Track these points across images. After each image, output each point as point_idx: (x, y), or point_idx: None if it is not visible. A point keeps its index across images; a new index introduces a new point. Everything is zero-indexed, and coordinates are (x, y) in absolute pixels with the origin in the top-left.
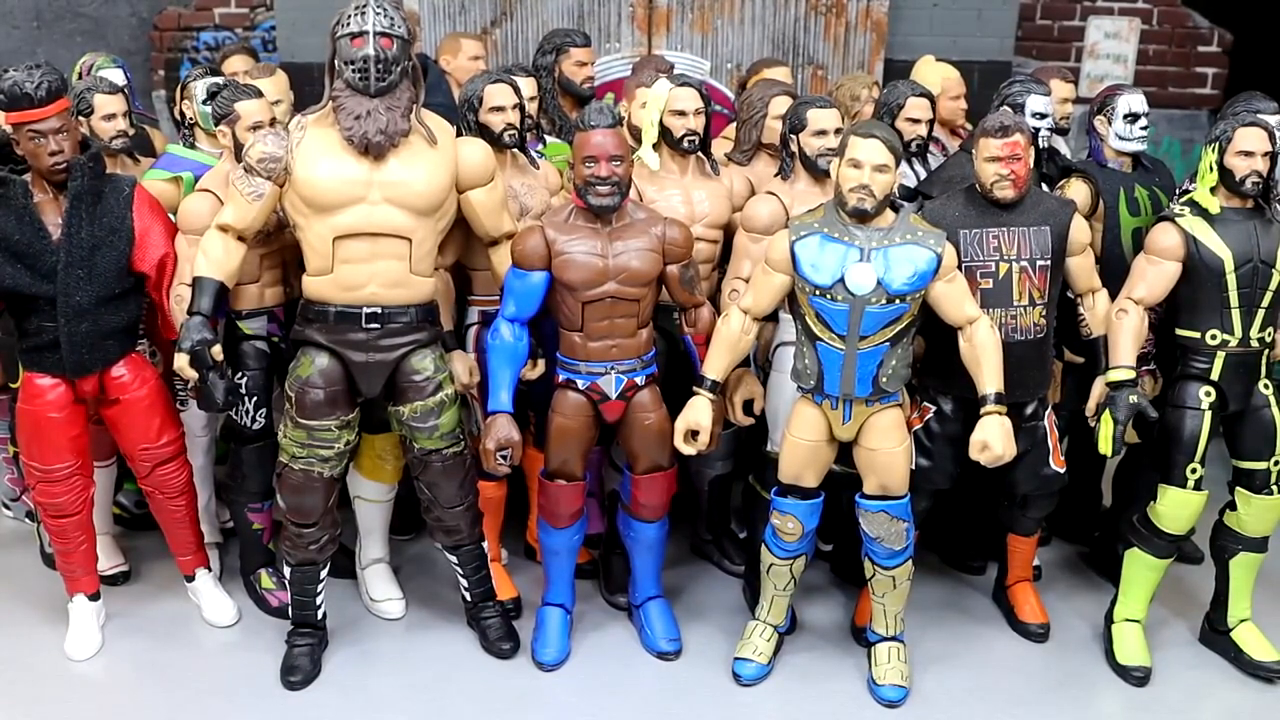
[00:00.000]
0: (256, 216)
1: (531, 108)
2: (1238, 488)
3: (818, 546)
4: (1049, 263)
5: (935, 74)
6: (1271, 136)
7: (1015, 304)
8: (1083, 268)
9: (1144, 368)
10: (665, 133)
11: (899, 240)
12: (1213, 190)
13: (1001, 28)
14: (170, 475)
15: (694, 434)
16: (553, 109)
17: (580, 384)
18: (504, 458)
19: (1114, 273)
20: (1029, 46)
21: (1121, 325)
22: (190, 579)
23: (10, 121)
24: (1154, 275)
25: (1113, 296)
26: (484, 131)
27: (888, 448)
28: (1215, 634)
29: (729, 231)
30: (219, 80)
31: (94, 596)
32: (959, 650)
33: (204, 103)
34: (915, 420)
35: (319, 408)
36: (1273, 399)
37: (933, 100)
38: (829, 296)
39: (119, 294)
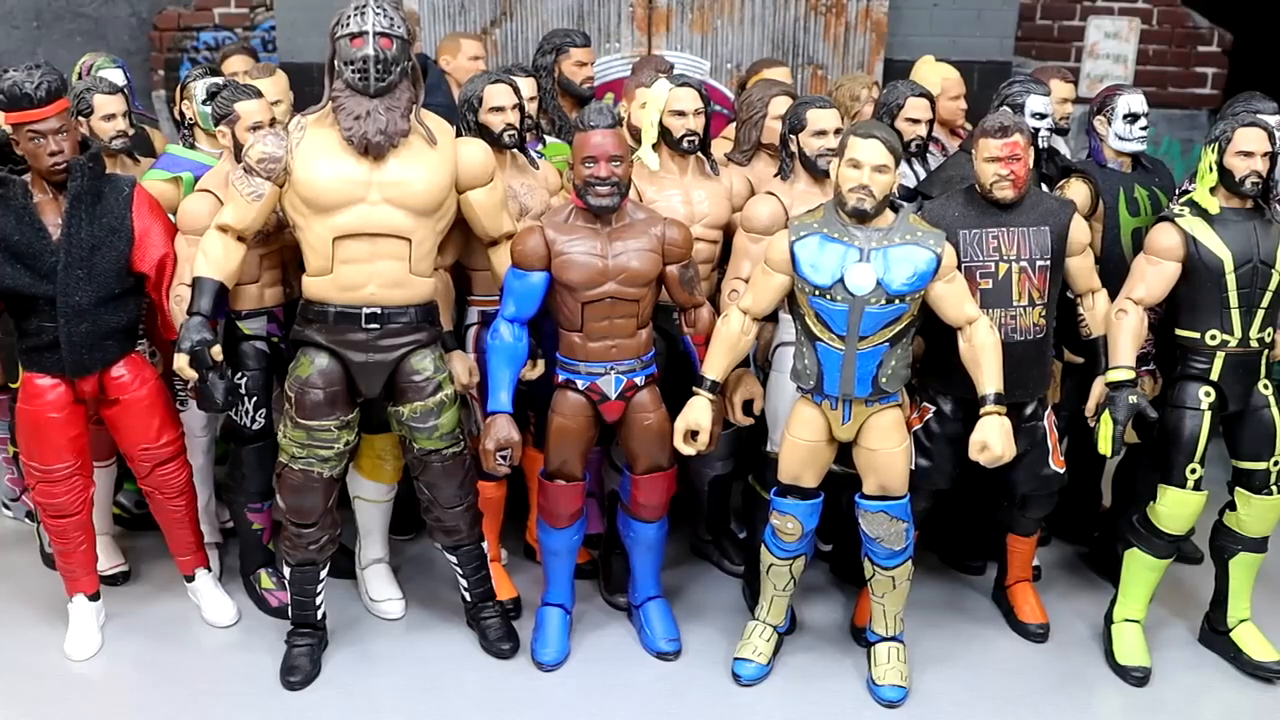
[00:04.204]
0: (256, 217)
1: (531, 108)
2: (1237, 488)
3: (818, 546)
4: (1048, 263)
5: (935, 74)
6: (1271, 136)
7: (1015, 304)
8: (1082, 268)
9: (1144, 368)
10: (665, 133)
11: (898, 240)
12: (1212, 190)
13: (1001, 28)
14: (170, 475)
15: (694, 434)
16: (553, 109)
17: (580, 384)
18: (504, 458)
19: (1114, 273)
20: (1029, 46)
21: (1121, 325)
22: (190, 579)
23: (10, 121)
24: (1153, 275)
25: (1112, 296)
26: (484, 131)
27: (887, 448)
28: (1215, 634)
29: (729, 232)
30: (219, 80)
31: (94, 596)
32: (959, 650)
33: (204, 103)
34: (915, 420)
35: (319, 408)
36: (1272, 399)
37: (932, 100)
38: (828, 297)
39: (119, 294)
